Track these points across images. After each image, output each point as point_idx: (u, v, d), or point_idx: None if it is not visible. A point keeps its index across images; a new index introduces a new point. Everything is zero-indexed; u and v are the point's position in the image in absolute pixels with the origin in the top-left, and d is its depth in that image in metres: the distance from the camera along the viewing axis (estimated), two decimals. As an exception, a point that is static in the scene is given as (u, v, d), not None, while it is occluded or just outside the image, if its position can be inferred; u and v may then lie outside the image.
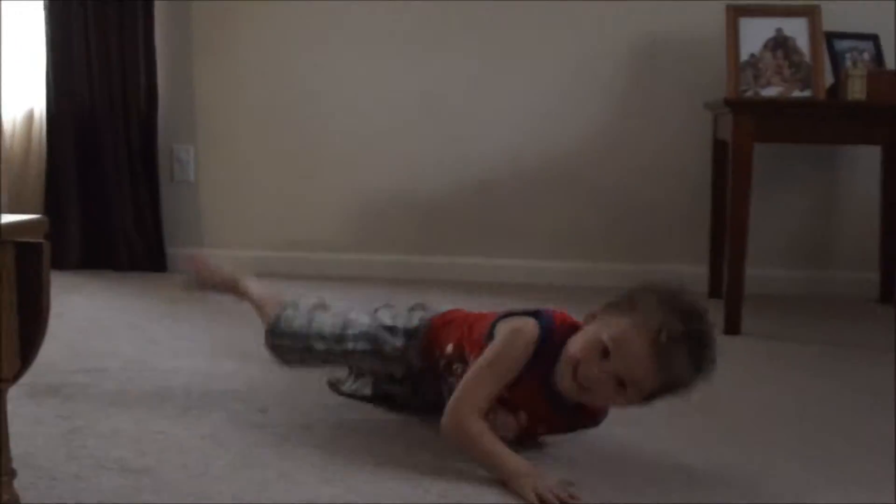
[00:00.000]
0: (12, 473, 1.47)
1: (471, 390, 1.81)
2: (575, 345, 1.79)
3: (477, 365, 1.83)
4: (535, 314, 1.87)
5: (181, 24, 4.11)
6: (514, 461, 1.71)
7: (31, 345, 1.46)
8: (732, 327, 3.10)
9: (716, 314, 3.10)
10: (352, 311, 2.16)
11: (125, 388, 2.26)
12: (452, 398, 1.82)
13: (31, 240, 1.45)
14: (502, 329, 1.86)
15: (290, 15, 4.05)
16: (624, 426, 1.99)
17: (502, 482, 1.68)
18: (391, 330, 2.06)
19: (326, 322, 2.12)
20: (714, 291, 3.61)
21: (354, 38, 4.03)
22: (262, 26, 4.07)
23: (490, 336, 1.87)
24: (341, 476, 1.72)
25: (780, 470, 1.83)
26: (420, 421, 2.02)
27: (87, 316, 3.10)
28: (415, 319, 2.06)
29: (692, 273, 3.76)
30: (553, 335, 1.83)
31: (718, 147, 3.63)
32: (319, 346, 2.10)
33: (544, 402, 1.85)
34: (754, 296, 3.39)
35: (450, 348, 1.97)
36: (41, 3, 3.99)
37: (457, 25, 3.99)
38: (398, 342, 2.05)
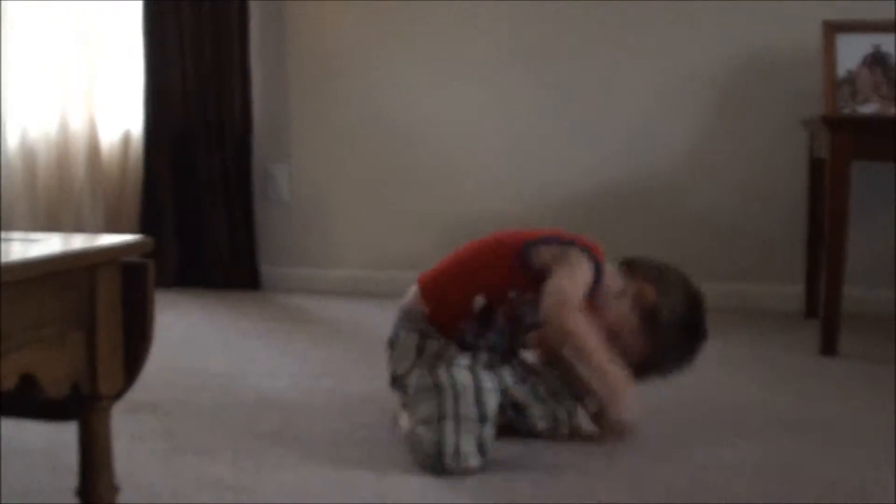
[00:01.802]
0: (116, 490, 1.50)
1: (571, 292, 1.95)
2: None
3: (562, 275, 1.97)
4: (578, 247, 2.03)
5: (276, 45, 4.17)
6: (617, 367, 1.92)
7: (134, 363, 1.49)
8: (829, 348, 3.03)
9: (812, 335, 3.08)
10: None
11: (222, 405, 2.30)
12: (554, 292, 1.95)
13: (137, 260, 1.48)
14: (557, 260, 2.00)
15: (383, 40, 4.08)
16: (724, 447, 1.97)
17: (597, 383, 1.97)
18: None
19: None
20: (810, 311, 3.55)
21: (444, 67, 4.05)
22: (355, 51, 4.11)
23: (526, 257, 2.02)
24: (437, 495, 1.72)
25: (879, 488, 1.79)
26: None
27: (184, 334, 3.15)
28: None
29: (788, 293, 3.71)
30: (600, 284, 2.03)
31: (815, 165, 3.57)
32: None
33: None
34: (851, 315, 3.32)
35: (480, 301, 2.04)
36: (139, 26, 4.09)
37: (544, 53, 3.98)
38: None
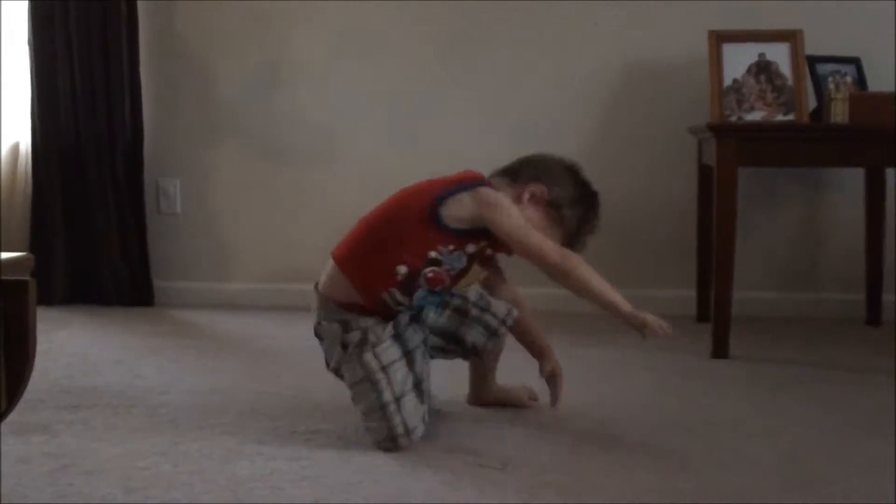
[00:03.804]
0: (0, 513, 1.46)
1: (542, 241, 2.14)
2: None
3: (522, 233, 2.13)
4: (479, 183, 2.17)
5: (166, 58, 4.12)
6: (625, 300, 2.13)
7: (17, 383, 1.45)
8: (720, 351, 3.10)
9: (704, 338, 3.14)
10: None
11: (112, 424, 2.25)
12: (541, 253, 2.13)
13: (17, 277, 1.45)
14: (482, 200, 2.12)
15: (273, 46, 4.07)
16: (604, 442, 2.00)
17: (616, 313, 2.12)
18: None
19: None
20: (702, 315, 3.62)
21: (337, 68, 4.04)
22: (244, 59, 4.08)
23: (435, 209, 2.11)
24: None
25: (762, 489, 1.83)
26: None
27: (74, 352, 3.07)
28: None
29: (680, 297, 3.77)
30: None
31: (703, 172, 3.64)
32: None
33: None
34: (742, 319, 3.39)
35: (403, 270, 2.10)
36: (26, 38, 4.00)
37: (440, 49, 4.01)
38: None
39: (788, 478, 1.92)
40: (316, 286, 2.20)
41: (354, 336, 2.12)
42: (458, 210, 2.11)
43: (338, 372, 2.19)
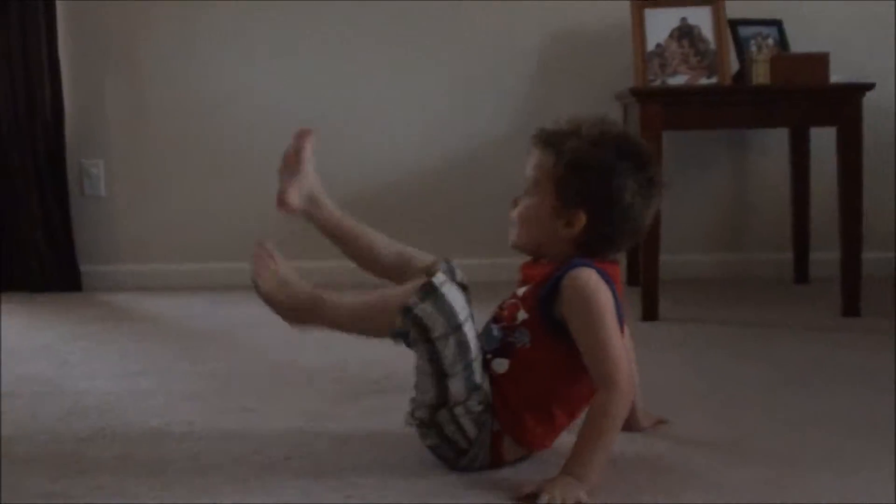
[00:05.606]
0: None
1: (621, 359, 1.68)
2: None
3: (599, 336, 1.67)
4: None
5: (86, 33, 4.03)
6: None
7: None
8: (650, 314, 3.12)
9: (634, 301, 3.16)
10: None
11: (39, 411, 2.21)
12: (611, 369, 1.65)
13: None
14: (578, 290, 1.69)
15: (198, 22, 4.00)
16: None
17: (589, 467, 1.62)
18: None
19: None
20: (632, 279, 3.64)
21: (262, 46, 3.99)
22: (169, 35, 4.01)
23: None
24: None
25: (696, 447, 1.85)
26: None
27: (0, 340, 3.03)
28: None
29: (610, 263, 3.78)
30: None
31: (630, 137, 3.64)
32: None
33: None
34: (671, 281, 3.42)
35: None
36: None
37: (361, 29, 3.97)
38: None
39: (725, 434, 1.94)
40: None
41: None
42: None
43: None
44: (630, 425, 1.91)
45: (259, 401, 2.24)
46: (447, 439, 1.74)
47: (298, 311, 1.81)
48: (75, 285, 4.00)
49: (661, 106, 3.17)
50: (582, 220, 1.75)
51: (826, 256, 3.60)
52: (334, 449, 1.90)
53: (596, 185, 1.74)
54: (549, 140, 1.82)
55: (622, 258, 3.67)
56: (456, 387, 1.70)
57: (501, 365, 1.75)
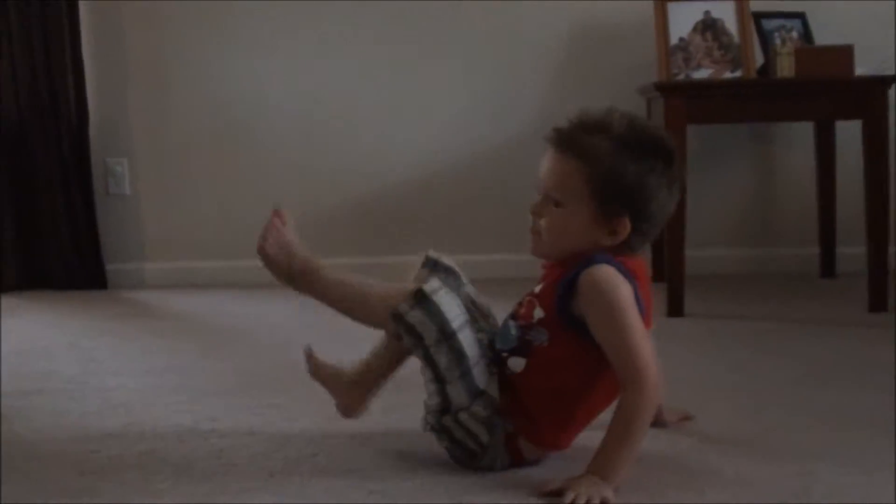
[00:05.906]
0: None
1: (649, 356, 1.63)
2: None
3: (623, 334, 1.62)
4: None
5: (109, 34, 4.05)
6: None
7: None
8: (675, 309, 3.11)
9: (660, 297, 3.14)
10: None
11: (65, 409, 2.22)
12: (639, 366, 1.61)
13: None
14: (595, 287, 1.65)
15: (221, 22, 4.00)
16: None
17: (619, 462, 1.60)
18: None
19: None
20: (657, 275, 3.61)
21: (288, 45, 4.00)
22: (191, 34, 4.02)
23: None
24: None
25: (722, 443, 1.84)
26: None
27: (26, 338, 3.04)
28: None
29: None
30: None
31: (653, 132, 3.63)
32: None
33: None
34: (696, 277, 3.41)
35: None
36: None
37: (379, 27, 3.97)
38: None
39: (751, 430, 1.93)
40: None
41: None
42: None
43: None
44: (655, 420, 1.86)
45: (283, 398, 2.24)
46: (458, 443, 1.73)
47: (293, 275, 1.82)
48: (101, 283, 4.02)
49: (685, 100, 3.15)
50: (627, 227, 1.70)
51: (853, 251, 3.57)
52: (356, 446, 1.90)
53: (637, 189, 1.70)
54: (570, 143, 1.80)
55: (646, 254, 3.69)
56: (456, 393, 1.69)
57: (518, 364, 1.74)
